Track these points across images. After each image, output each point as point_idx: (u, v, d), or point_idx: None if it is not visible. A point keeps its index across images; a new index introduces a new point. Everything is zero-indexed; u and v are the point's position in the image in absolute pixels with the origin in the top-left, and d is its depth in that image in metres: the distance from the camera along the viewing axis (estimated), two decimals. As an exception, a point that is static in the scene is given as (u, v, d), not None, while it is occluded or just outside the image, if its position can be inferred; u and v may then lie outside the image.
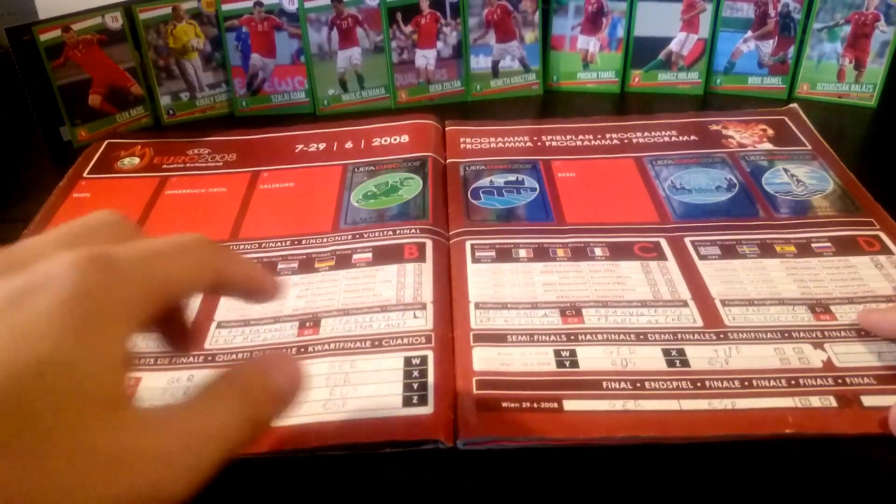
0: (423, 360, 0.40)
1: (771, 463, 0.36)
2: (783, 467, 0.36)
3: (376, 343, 0.42)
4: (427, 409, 0.38)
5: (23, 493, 0.20)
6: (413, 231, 0.51)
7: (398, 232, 0.51)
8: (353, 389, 0.39)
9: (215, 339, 0.43)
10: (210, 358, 0.42)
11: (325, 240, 0.51)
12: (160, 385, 0.40)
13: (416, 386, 0.39)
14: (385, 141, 0.62)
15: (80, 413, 0.21)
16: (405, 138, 0.62)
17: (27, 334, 0.21)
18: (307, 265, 0.49)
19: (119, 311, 0.24)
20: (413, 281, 0.46)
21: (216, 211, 0.55)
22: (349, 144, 0.63)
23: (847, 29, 0.66)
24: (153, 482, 0.23)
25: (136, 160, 0.62)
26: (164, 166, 0.61)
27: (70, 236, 0.26)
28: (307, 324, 0.44)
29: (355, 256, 0.49)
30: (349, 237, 0.51)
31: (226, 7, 0.68)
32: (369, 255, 0.49)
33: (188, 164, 0.61)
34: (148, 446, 0.23)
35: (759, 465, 0.36)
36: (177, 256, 0.27)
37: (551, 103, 0.72)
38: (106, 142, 0.65)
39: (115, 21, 0.65)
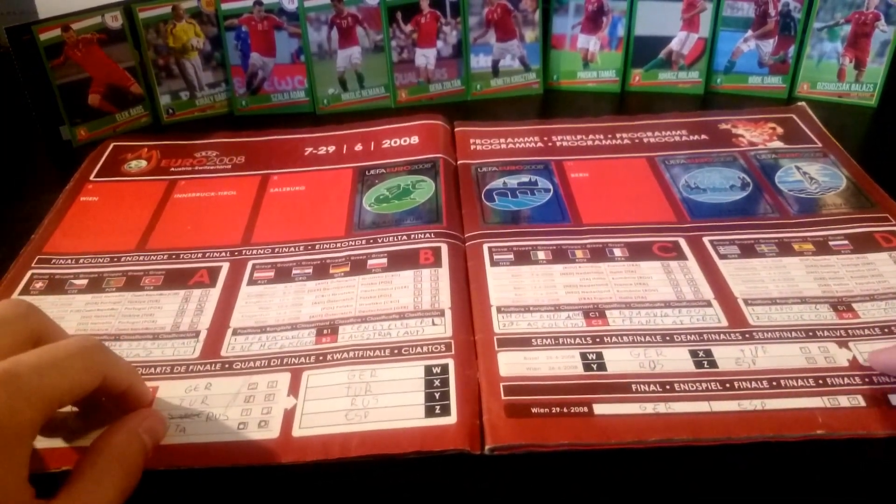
0: (444, 368, 0.40)
1: (797, 463, 0.36)
2: (809, 467, 0.36)
3: (396, 351, 0.41)
4: (450, 419, 0.37)
5: None
6: (428, 235, 0.50)
7: (413, 237, 0.50)
8: (374, 399, 0.39)
9: (231, 346, 0.43)
10: (227, 365, 0.41)
11: (338, 245, 0.50)
12: (177, 394, 0.40)
13: (437, 395, 0.38)
14: (394, 143, 0.62)
15: None
16: (415, 139, 0.62)
17: None
18: (322, 271, 0.48)
19: (22, 432, 0.26)
20: (430, 286, 0.46)
21: (227, 215, 0.54)
22: (359, 147, 0.62)
23: (847, 28, 0.67)
24: None
25: (144, 163, 0.61)
26: (172, 169, 0.60)
27: None
28: (325, 331, 0.43)
29: (370, 262, 0.48)
30: (363, 242, 0.50)
31: (225, 6, 0.67)
32: (384, 260, 0.48)
33: (196, 167, 0.61)
34: None
35: (785, 466, 0.36)
36: (68, 366, 0.29)
37: (552, 102, 0.72)
38: (112, 144, 0.64)
39: (114, 20, 0.64)
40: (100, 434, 0.32)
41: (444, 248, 0.49)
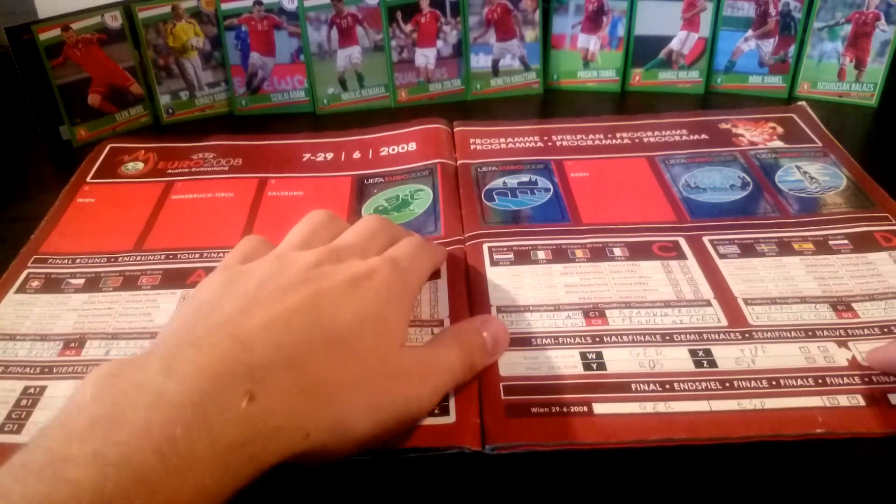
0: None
1: (797, 462, 0.36)
2: (808, 467, 0.36)
3: None
4: (449, 419, 0.37)
5: (346, 377, 0.33)
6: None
7: None
8: None
9: None
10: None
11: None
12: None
13: None
14: (393, 150, 0.62)
15: (385, 342, 0.36)
16: (413, 146, 0.62)
17: (368, 298, 0.36)
18: None
19: (406, 294, 0.40)
20: (428, 298, 0.45)
21: (225, 216, 0.54)
22: (357, 154, 0.62)
23: (847, 28, 0.67)
24: (413, 394, 0.36)
25: (140, 164, 0.61)
26: (169, 171, 0.60)
27: (362, 240, 0.42)
28: None
29: None
30: None
31: (225, 6, 0.67)
32: None
33: (193, 169, 0.60)
34: (412, 365, 0.37)
35: (784, 465, 0.36)
36: (424, 257, 0.44)
37: (552, 102, 0.72)
38: (108, 146, 0.64)
39: (114, 20, 0.64)
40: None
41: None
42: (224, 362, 0.29)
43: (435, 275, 0.47)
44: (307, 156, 0.62)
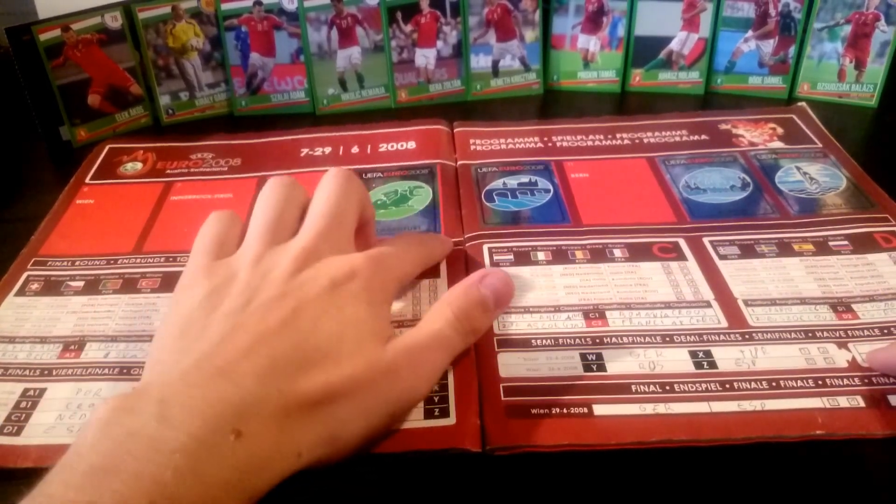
0: (443, 374, 0.40)
1: (797, 463, 0.36)
2: (808, 468, 0.36)
3: None
4: (449, 421, 0.37)
5: (332, 389, 0.33)
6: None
7: None
8: None
9: None
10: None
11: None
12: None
13: (436, 399, 0.38)
14: (391, 147, 0.62)
15: (368, 344, 0.36)
16: (412, 144, 0.62)
17: (347, 302, 0.36)
18: None
19: (387, 292, 0.40)
20: (428, 297, 0.45)
21: None
22: (355, 149, 0.62)
23: (847, 29, 0.66)
24: (405, 387, 0.36)
25: (139, 165, 0.61)
26: (168, 171, 0.60)
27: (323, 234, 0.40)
28: None
29: None
30: None
31: (225, 6, 0.67)
32: None
33: (192, 169, 0.60)
34: (399, 359, 0.36)
35: (784, 466, 0.36)
36: (408, 258, 0.44)
37: (552, 102, 0.72)
38: (107, 147, 0.64)
39: (114, 21, 0.64)
40: None
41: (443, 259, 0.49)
42: (213, 406, 0.30)
43: (434, 274, 0.47)
44: (305, 151, 0.62)
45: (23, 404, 0.39)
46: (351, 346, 0.35)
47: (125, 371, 0.41)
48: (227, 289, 0.37)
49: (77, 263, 0.50)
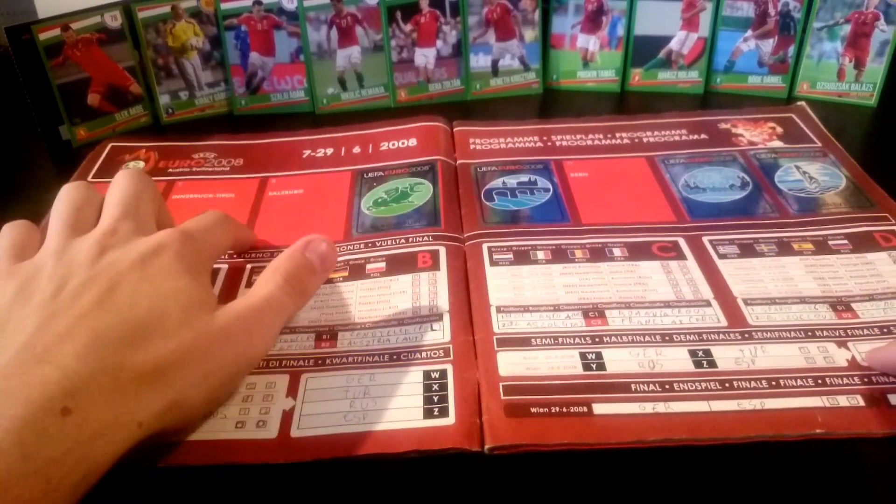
0: (443, 373, 0.40)
1: (797, 463, 0.36)
2: (808, 467, 0.36)
3: (394, 357, 0.41)
4: (448, 420, 0.37)
5: (164, 359, 0.34)
6: (426, 238, 0.50)
7: (411, 240, 0.50)
8: (372, 402, 0.38)
9: None
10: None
11: (337, 249, 0.50)
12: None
13: (436, 398, 0.38)
14: (393, 145, 0.62)
15: (194, 312, 0.36)
16: (413, 142, 0.62)
17: (162, 275, 0.37)
18: None
19: (201, 261, 0.40)
20: (428, 290, 0.45)
21: None
22: (357, 149, 0.62)
23: (847, 28, 0.67)
24: (241, 349, 0.38)
25: (141, 164, 0.61)
26: (170, 170, 0.60)
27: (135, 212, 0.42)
28: (324, 336, 0.43)
29: (369, 266, 0.48)
30: (361, 246, 0.50)
31: (225, 6, 0.67)
32: (383, 264, 0.48)
33: (194, 169, 0.60)
34: (231, 324, 0.37)
35: (784, 466, 0.36)
36: (218, 229, 0.44)
37: (551, 102, 0.72)
38: (110, 145, 0.64)
39: (114, 20, 0.64)
40: None
41: (443, 252, 0.49)
42: (34, 389, 0.30)
43: (435, 267, 0.47)
44: (307, 152, 0.62)
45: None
46: (177, 317, 0.35)
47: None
48: (34, 282, 0.36)
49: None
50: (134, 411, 0.32)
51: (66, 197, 0.43)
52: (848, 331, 0.42)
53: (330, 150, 0.62)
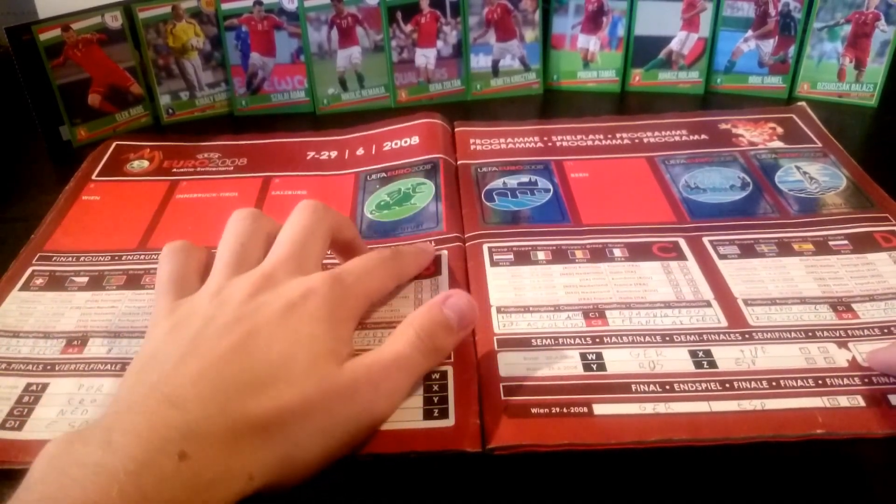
0: (443, 375, 0.40)
1: (797, 463, 0.36)
2: (808, 467, 0.36)
3: None
4: (448, 422, 0.37)
5: (284, 410, 0.33)
6: (428, 243, 0.50)
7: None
8: None
9: None
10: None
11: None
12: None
13: (436, 400, 0.38)
14: (395, 144, 0.62)
15: (322, 362, 0.35)
16: (415, 140, 0.62)
17: (303, 321, 0.36)
18: None
19: (346, 309, 0.39)
20: (430, 297, 0.45)
21: (229, 216, 0.54)
22: (360, 151, 0.62)
23: (847, 28, 0.67)
24: (364, 407, 0.36)
25: (146, 163, 0.61)
26: (174, 170, 0.60)
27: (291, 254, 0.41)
28: None
29: None
30: None
31: (225, 6, 0.67)
32: None
33: (198, 168, 0.61)
34: (358, 379, 0.35)
35: (785, 466, 0.36)
36: (376, 273, 0.42)
37: (552, 102, 0.72)
38: (114, 144, 0.64)
39: (114, 20, 0.64)
40: None
41: (444, 256, 0.49)
42: (156, 429, 0.30)
43: (436, 273, 0.47)
44: (311, 154, 0.62)
45: (25, 399, 0.40)
46: (303, 366, 0.35)
47: (126, 367, 0.41)
48: (187, 322, 0.37)
49: (82, 259, 0.50)
50: (246, 463, 0.32)
51: (234, 230, 0.43)
52: (848, 331, 0.42)
53: (334, 153, 0.62)
